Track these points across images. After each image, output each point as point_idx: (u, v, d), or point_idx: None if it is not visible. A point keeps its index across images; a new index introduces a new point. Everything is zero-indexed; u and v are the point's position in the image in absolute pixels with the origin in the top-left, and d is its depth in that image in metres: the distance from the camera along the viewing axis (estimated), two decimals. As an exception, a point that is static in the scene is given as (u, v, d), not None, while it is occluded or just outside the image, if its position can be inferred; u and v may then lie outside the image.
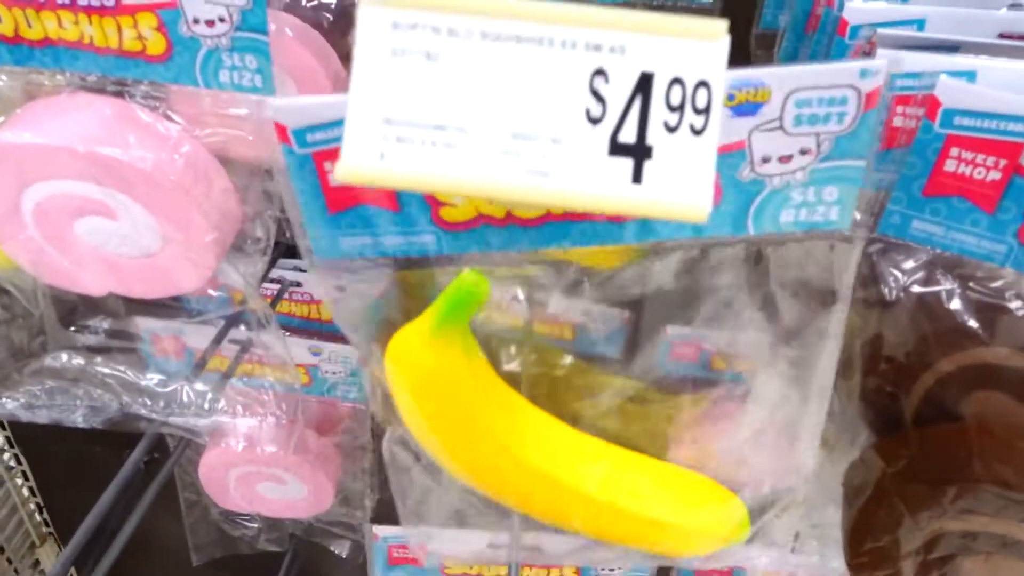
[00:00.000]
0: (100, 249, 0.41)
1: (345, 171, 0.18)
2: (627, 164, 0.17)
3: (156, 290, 0.42)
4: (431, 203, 0.30)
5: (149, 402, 0.47)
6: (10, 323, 0.46)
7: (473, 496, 0.51)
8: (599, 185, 0.17)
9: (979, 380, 0.36)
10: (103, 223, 0.39)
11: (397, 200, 0.30)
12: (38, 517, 1.03)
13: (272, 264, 0.61)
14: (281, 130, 0.29)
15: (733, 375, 0.72)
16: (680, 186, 0.17)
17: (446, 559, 0.55)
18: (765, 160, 0.29)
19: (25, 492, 1.00)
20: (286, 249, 0.61)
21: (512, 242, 0.31)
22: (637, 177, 0.17)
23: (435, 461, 0.47)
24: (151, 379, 0.48)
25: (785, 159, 0.29)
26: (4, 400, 0.47)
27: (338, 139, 0.28)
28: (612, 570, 0.61)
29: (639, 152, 0.17)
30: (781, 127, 0.28)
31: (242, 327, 0.58)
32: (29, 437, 0.92)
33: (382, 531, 0.53)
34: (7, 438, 0.94)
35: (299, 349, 0.65)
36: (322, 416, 0.71)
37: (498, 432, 0.39)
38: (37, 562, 1.04)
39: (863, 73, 0.27)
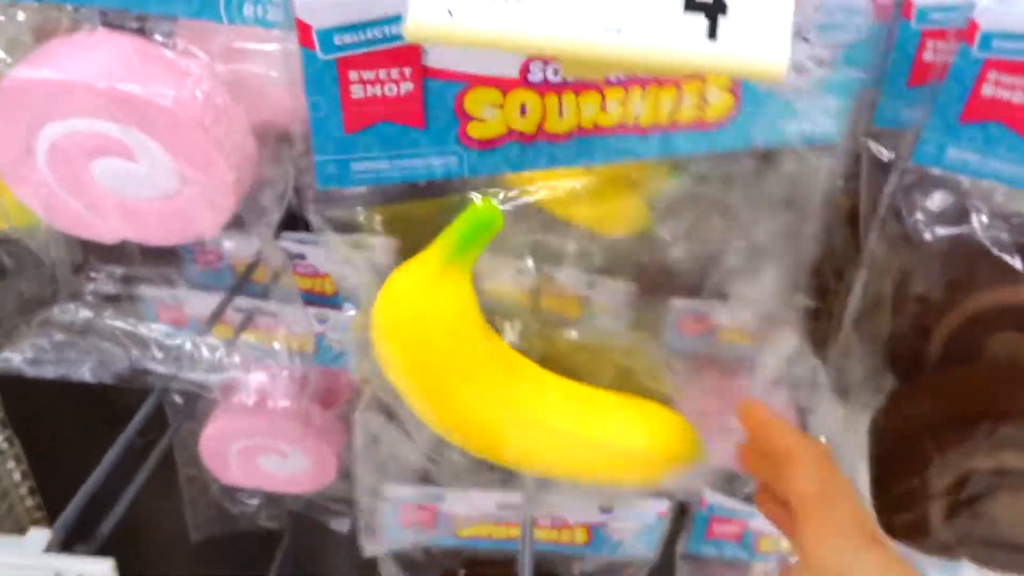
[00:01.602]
0: (116, 193, 0.40)
1: (413, 28, 0.17)
2: (702, 20, 0.17)
3: (173, 235, 0.41)
4: (460, 117, 0.29)
5: (160, 355, 0.46)
6: (19, 273, 0.45)
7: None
8: (674, 41, 0.17)
9: (1008, 318, 0.36)
10: (120, 164, 0.39)
11: (424, 116, 0.29)
12: (30, 501, 1.02)
13: (275, 236, 0.61)
14: (304, 30, 0.27)
15: (740, 349, 0.72)
16: (756, 42, 0.17)
17: (457, 520, 0.55)
18: None
19: (17, 476, 0.98)
20: (290, 221, 0.60)
21: (537, 160, 0.31)
22: (712, 33, 0.17)
23: (413, 421, 0.45)
24: (159, 330, 0.47)
25: (802, 70, 0.29)
26: (9, 355, 0.46)
27: (370, 42, 0.27)
28: (623, 529, 0.61)
29: (714, 7, 0.17)
30: (804, 37, 0.28)
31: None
32: (22, 419, 0.91)
33: (393, 491, 0.52)
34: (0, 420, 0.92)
35: (303, 319, 0.64)
36: (326, 388, 0.70)
37: (492, 376, 0.37)
38: (28, 547, 1.02)
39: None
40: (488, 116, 0.30)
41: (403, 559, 0.63)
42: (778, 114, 0.31)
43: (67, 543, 0.44)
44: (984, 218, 0.34)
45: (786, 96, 0.30)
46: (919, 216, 0.34)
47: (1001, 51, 0.29)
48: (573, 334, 0.62)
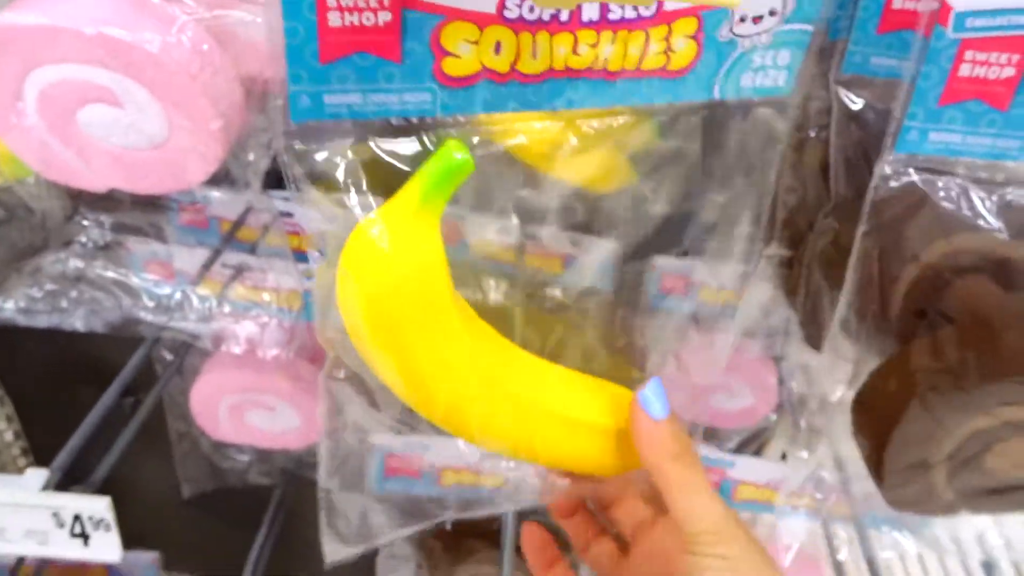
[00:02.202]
0: (105, 141, 0.41)
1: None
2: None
3: (163, 183, 0.42)
4: (436, 52, 0.30)
5: (150, 304, 0.47)
6: (10, 223, 0.45)
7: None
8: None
9: (966, 266, 0.37)
10: (108, 111, 0.39)
11: (400, 48, 0.30)
12: (23, 461, 1.03)
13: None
14: None
15: (719, 308, 0.73)
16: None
17: (442, 469, 0.56)
18: (742, 19, 0.30)
19: (10, 436, 0.99)
20: (276, 180, 0.61)
21: (509, 101, 0.31)
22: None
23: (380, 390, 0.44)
24: (150, 279, 0.48)
25: (757, 19, 0.31)
26: (1, 303, 0.47)
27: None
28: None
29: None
30: None
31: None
32: (13, 376, 0.91)
33: (378, 440, 0.54)
34: (-9, 377, 0.93)
35: (291, 276, 0.65)
36: (313, 344, 0.71)
37: (461, 338, 0.35)
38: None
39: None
40: (463, 52, 0.30)
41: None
42: (737, 65, 0.32)
43: (62, 487, 0.45)
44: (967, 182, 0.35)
45: (744, 47, 0.31)
46: (884, 168, 0.35)
47: (975, 29, 0.30)
48: (557, 292, 0.63)
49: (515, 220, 0.50)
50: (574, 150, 0.43)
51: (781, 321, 0.49)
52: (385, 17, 0.29)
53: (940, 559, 0.63)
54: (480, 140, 0.33)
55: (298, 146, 0.33)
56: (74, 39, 0.37)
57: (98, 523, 0.40)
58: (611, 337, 0.58)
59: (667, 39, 0.32)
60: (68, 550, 0.41)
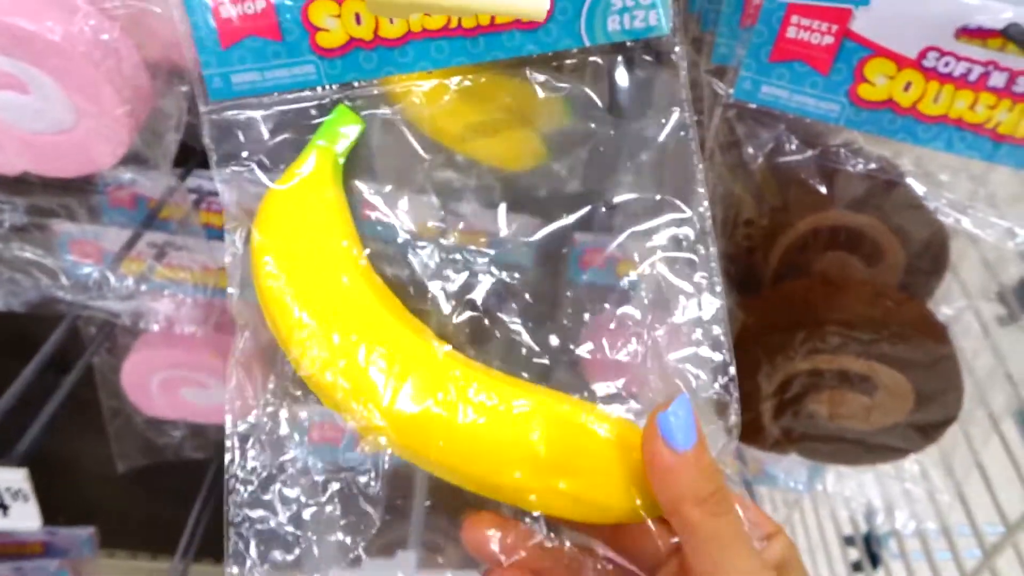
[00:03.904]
0: (14, 126, 0.42)
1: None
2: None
3: (72, 167, 0.43)
4: (308, 28, 0.34)
5: (67, 283, 0.48)
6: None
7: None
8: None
9: (826, 238, 0.40)
10: (15, 97, 0.40)
11: (279, 28, 0.34)
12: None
13: (188, 173, 0.62)
14: None
15: (633, 282, 0.76)
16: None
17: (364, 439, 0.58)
18: None
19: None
20: (203, 159, 0.62)
21: (382, 67, 0.35)
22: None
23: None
24: (69, 260, 0.49)
25: None
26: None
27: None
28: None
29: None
30: None
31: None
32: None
33: (304, 411, 0.56)
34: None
35: (221, 253, 0.66)
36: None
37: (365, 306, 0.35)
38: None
39: None
40: (331, 26, 0.34)
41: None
42: (597, 7, 0.32)
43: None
44: (799, 147, 0.38)
45: None
46: (748, 147, 0.38)
47: (800, -5, 0.33)
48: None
49: (435, 199, 0.52)
50: (486, 130, 0.45)
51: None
52: (261, 4, 0.34)
53: (831, 512, 0.67)
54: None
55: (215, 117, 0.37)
56: (-24, 28, 0.38)
57: (16, 493, 0.42)
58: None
59: None
60: (-11, 520, 0.43)
